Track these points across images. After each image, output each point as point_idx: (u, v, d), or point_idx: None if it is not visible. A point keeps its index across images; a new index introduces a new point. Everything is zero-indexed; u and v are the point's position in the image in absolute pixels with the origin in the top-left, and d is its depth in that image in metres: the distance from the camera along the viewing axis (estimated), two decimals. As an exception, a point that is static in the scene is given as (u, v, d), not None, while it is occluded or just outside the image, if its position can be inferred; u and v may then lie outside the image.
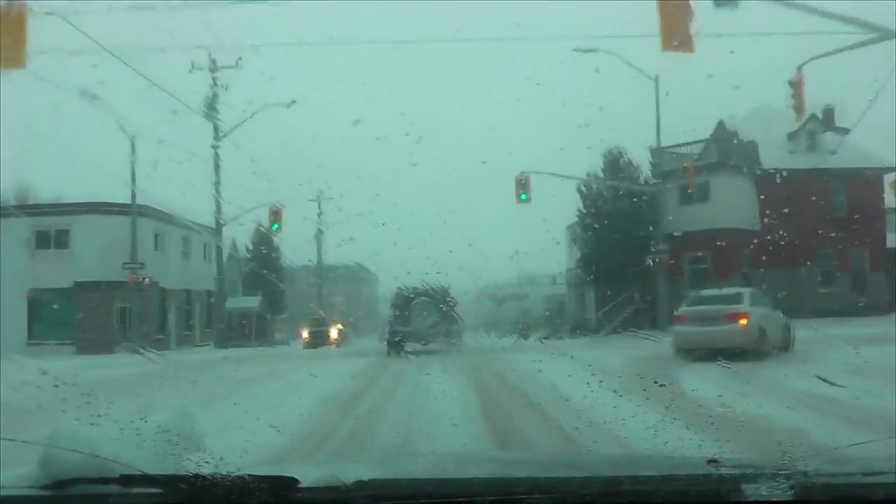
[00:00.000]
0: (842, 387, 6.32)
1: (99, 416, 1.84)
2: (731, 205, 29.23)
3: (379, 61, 67.70)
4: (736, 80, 23.39)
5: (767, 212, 27.07)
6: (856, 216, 28.26)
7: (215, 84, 29.46)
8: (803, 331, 14.18)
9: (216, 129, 29.76)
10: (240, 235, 52.41)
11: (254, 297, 46.31)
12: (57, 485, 1.56)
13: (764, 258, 24.78)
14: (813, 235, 27.58)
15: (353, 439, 5.32)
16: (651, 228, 28.10)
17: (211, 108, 28.93)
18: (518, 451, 4.78)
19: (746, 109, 30.36)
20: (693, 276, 29.96)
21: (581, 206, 32.05)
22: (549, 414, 5.65)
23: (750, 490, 1.52)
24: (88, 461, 1.60)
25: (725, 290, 15.43)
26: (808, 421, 4.53)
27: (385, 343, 17.56)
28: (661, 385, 6.40)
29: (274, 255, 53.49)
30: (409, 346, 15.88)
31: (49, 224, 29.79)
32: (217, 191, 29.27)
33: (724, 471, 1.64)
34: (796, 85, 14.12)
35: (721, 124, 30.67)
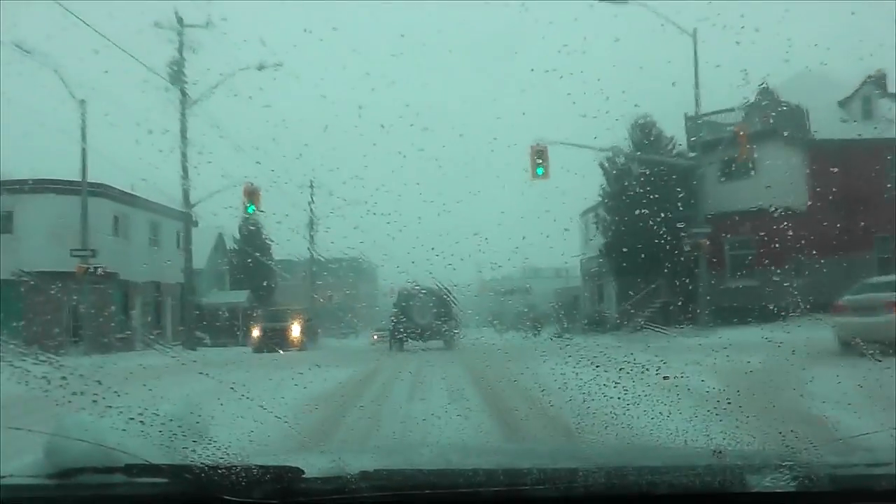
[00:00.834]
0: None
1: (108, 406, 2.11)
2: (779, 181, 28.55)
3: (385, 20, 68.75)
4: (778, 44, 23.61)
5: (818, 189, 26.57)
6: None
7: (184, 47, 29.82)
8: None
9: (184, 95, 29.81)
10: (227, 225, 53.50)
11: (241, 292, 47.03)
12: (63, 474, 1.80)
13: (815, 243, 24.36)
14: (871, 216, 27.02)
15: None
16: (687, 209, 27.47)
17: (178, 72, 28.97)
18: (523, 442, 5.28)
19: (789, 75, 29.74)
20: (734, 264, 29.59)
21: (605, 184, 31.67)
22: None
23: (754, 481, 1.77)
24: (94, 451, 1.86)
25: (893, 278, 15.93)
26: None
27: (388, 339, 21.65)
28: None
29: (265, 246, 54.66)
30: (409, 345, 19.41)
31: (-13, 205, 30.71)
32: (184, 168, 29.09)
33: (728, 461, 1.94)
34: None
35: (765, 88, 29.69)
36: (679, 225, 27.66)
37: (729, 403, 2.97)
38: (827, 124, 29.44)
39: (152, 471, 1.80)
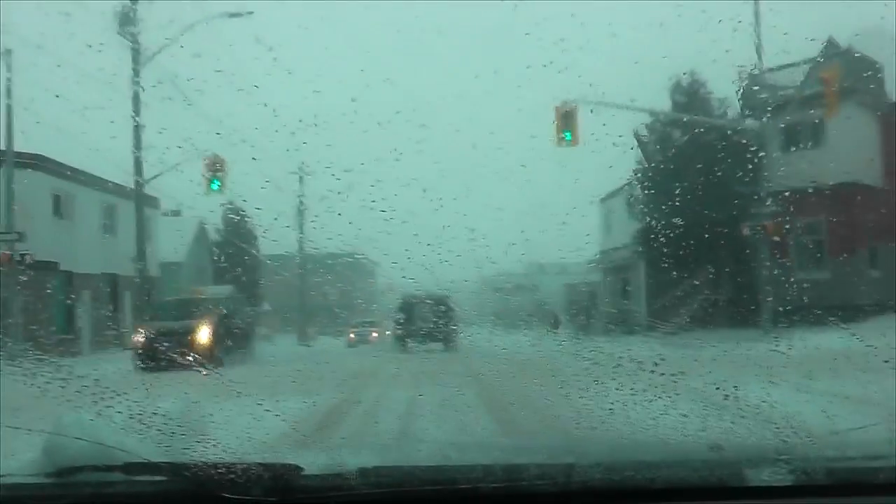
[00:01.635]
0: None
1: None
2: (853, 151, 27.21)
3: None
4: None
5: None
6: None
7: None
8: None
9: (135, 53, 29.52)
10: (209, 215, 54.50)
11: (223, 287, 47.41)
12: (61, 472, 2.08)
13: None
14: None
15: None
16: (743, 185, 25.83)
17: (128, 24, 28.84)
18: (521, 438, 5.81)
19: (854, 30, 28.53)
20: (799, 251, 27.97)
21: (641, 157, 30.36)
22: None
23: (752, 475, 2.06)
24: (93, 449, 2.09)
25: None
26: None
27: (394, 339, 26.08)
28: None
29: (250, 238, 55.75)
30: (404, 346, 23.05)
31: None
32: (138, 142, 28.69)
33: (725, 456, 2.20)
34: None
35: (831, 42, 28.80)
36: (733, 205, 26.37)
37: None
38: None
39: (151, 469, 2.08)
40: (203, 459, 2.14)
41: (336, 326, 67.62)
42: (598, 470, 2.11)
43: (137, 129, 28.06)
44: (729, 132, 28.16)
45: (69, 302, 31.43)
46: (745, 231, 26.25)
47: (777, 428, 2.40)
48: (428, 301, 21.14)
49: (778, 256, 26.19)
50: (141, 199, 31.64)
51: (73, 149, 29.08)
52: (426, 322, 21.50)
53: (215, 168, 25.29)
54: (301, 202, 45.22)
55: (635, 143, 30.54)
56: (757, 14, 24.98)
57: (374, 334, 52.50)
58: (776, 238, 26.20)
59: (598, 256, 46.49)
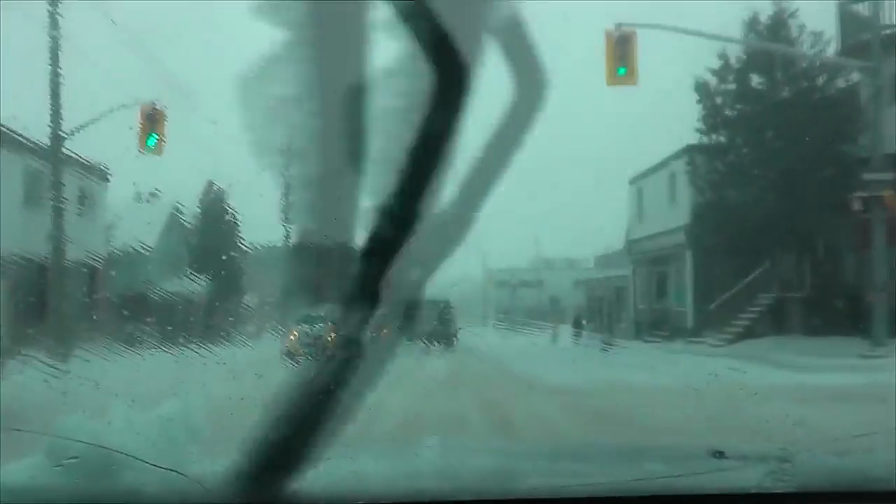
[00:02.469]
0: None
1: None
2: None
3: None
4: None
5: None
6: None
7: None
8: None
9: None
10: (185, 198, 55.67)
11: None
12: (62, 475, 2.44)
13: None
14: None
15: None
16: (848, 144, 23.66)
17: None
18: (522, 444, 6.26)
19: None
20: None
21: (704, 111, 27.94)
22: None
23: (753, 481, 2.37)
24: (93, 451, 2.40)
25: None
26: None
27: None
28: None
29: (230, 225, 56.54)
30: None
31: None
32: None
33: (728, 462, 2.49)
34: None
35: None
36: (830, 172, 23.53)
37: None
38: None
39: (152, 472, 2.41)
40: (203, 463, 2.60)
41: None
42: (601, 475, 2.55)
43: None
44: (826, 77, 25.70)
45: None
46: (848, 207, 22.16)
47: (781, 433, 2.85)
48: (428, 303, 24.27)
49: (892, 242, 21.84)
50: (59, 166, 30.68)
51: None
52: (427, 325, 25.48)
53: (153, 119, 23.19)
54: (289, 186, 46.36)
55: (697, 92, 27.75)
56: None
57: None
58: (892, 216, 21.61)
59: (626, 246, 45.67)
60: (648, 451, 2.95)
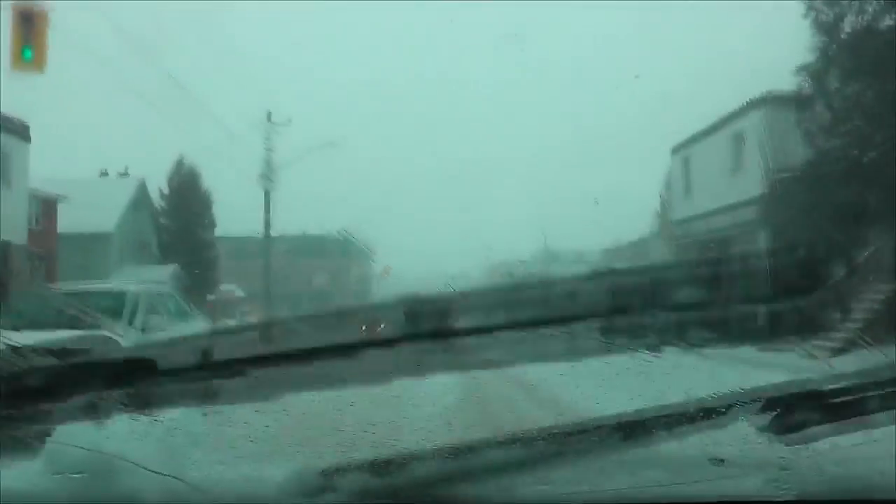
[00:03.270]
0: None
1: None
2: None
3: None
4: None
5: None
6: None
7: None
8: None
9: None
10: (153, 174, 51.04)
11: (163, 267, 46.41)
12: (59, 480, 2.50)
13: None
14: None
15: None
16: None
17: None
18: (520, 451, 6.37)
19: None
20: None
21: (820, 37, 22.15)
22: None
23: (753, 489, 2.45)
24: (92, 457, 2.56)
25: None
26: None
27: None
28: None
29: (203, 205, 51.17)
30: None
31: None
32: None
33: (728, 469, 2.57)
34: None
35: None
36: None
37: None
38: None
39: (151, 478, 2.46)
40: (202, 470, 2.65)
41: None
42: (598, 482, 2.60)
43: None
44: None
45: None
46: None
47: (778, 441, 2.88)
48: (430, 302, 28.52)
49: None
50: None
51: None
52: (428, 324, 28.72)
53: (29, 20, 18.08)
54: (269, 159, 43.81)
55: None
56: None
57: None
58: None
59: (662, 230, 43.95)
60: (647, 459, 2.97)
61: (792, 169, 23.29)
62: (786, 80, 24.46)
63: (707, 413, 2.47)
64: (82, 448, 2.52)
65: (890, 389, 2.45)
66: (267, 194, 44.65)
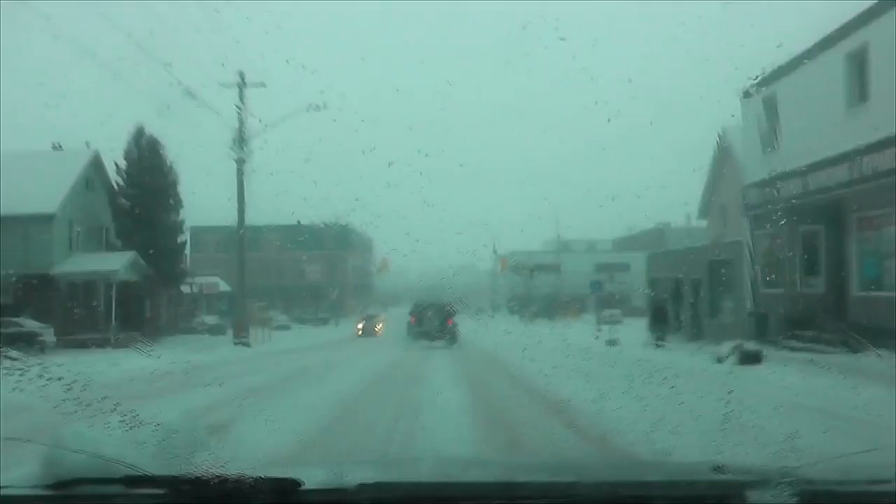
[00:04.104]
0: None
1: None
2: None
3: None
4: None
5: None
6: None
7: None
8: None
9: None
10: (108, 145, 44.00)
11: (117, 256, 40.62)
12: (60, 485, 2.51)
13: None
14: None
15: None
16: None
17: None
18: (522, 456, 6.57)
19: None
20: None
21: None
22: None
23: (754, 497, 2.47)
24: (92, 462, 2.50)
25: None
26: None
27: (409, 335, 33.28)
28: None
29: (168, 183, 44.25)
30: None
31: None
32: None
33: (728, 477, 2.62)
34: None
35: None
36: None
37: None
38: None
39: (150, 482, 2.51)
40: (202, 473, 2.65)
41: (334, 312, 65.93)
42: (600, 489, 2.61)
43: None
44: None
45: None
46: None
47: (782, 449, 2.91)
48: (433, 306, 30.38)
49: None
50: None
51: None
52: (433, 323, 30.33)
53: None
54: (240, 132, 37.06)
55: None
56: None
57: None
58: None
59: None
60: (648, 466, 3.00)
61: None
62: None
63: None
64: (82, 452, 2.53)
65: None
66: (240, 165, 37.77)
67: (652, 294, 38.46)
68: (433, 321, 30.91)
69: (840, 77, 22.93)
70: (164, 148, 42.46)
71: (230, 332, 41.51)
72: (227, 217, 40.83)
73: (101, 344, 29.93)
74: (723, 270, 32.28)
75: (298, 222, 42.42)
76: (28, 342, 27.22)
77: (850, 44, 22.30)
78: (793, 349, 23.20)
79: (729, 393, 8.11)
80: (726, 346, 22.68)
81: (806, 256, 25.65)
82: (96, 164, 44.40)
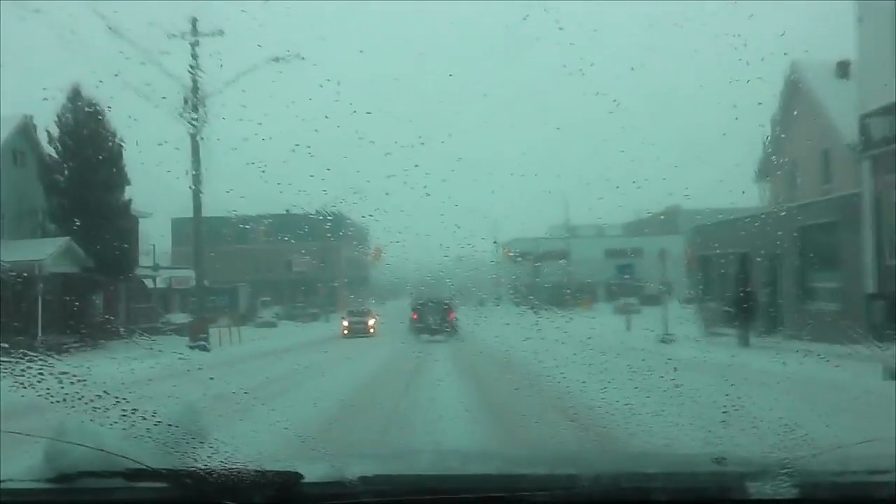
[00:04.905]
0: None
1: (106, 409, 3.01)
2: None
3: None
4: None
5: None
6: None
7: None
8: None
9: None
10: (39, 105, 36.67)
11: (47, 243, 34.37)
12: (62, 478, 2.58)
13: None
14: None
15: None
16: None
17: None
18: (522, 449, 6.66)
19: None
20: None
21: None
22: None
23: (755, 488, 2.55)
24: (94, 455, 2.56)
25: None
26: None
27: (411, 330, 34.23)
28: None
29: (112, 156, 36.13)
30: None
31: None
32: None
33: (729, 468, 2.70)
34: None
35: None
36: None
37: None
38: None
39: (152, 475, 2.57)
40: (204, 466, 2.67)
41: (323, 306, 63.57)
42: (600, 481, 2.64)
43: None
44: None
45: None
46: None
47: (780, 440, 2.94)
48: (432, 303, 32.24)
49: None
50: None
51: None
52: (433, 320, 31.74)
53: None
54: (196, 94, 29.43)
55: None
56: None
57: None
58: None
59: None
60: (649, 458, 3.03)
61: None
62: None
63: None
64: (83, 445, 2.54)
65: None
66: (195, 133, 30.75)
67: (700, 276, 32.75)
68: (434, 317, 32.00)
69: None
70: (106, 113, 34.35)
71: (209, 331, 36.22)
72: (209, 206, 36.60)
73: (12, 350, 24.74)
74: (823, 238, 25.61)
75: (287, 211, 36.70)
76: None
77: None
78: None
79: None
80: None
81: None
82: (27, 134, 37.60)
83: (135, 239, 40.26)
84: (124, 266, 37.82)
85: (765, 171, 35.24)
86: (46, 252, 32.36)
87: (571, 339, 15.69)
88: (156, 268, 47.90)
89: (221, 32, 32.49)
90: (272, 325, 56.06)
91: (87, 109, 34.60)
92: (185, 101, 29.19)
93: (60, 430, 2.70)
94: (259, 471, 2.64)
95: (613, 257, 45.61)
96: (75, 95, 35.48)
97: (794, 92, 32.00)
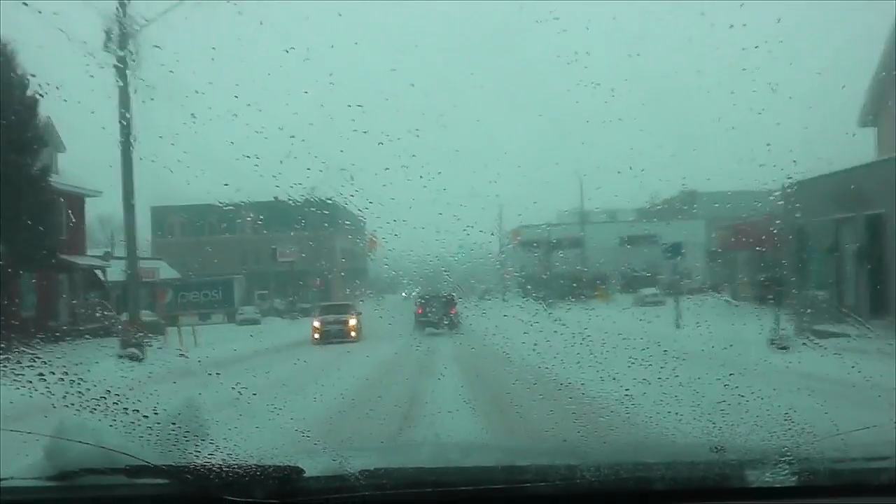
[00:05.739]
0: None
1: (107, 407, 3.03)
2: None
3: None
4: None
5: None
6: None
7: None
8: None
9: None
10: None
11: None
12: (63, 476, 2.66)
13: None
14: None
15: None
16: None
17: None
18: (522, 440, 6.76)
19: None
20: None
21: None
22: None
23: (754, 476, 2.63)
24: (95, 452, 2.67)
25: None
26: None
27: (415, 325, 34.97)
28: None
29: (34, 120, 29.70)
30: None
31: None
32: None
33: (728, 457, 2.77)
34: None
35: None
36: None
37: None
38: None
39: (153, 472, 2.64)
40: (205, 462, 2.69)
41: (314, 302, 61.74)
42: (600, 471, 2.68)
43: None
44: None
45: None
46: None
47: (779, 428, 2.97)
48: (437, 297, 33.17)
49: None
50: None
51: None
52: (437, 313, 33.00)
53: None
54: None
55: None
56: None
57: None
58: None
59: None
60: (649, 447, 3.05)
61: None
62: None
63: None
64: (83, 442, 2.56)
65: None
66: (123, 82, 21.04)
67: (810, 245, 24.92)
68: (437, 312, 33.54)
69: None
70: (21, 65, 27.65)
71: (169, 332, 31.88)
72: (194, 192, 31.55)
73: None
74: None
75: (275, 198, 32.18)
76: None
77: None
78: None
79: None
80: None
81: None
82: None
83: (62, 220, 33.84)
84: (44, 254, 30.57)
85: (870, 117, 28.26)
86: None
87: (626, 343, 12.26)
88: (106, 256, 42.13)
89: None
90: (255, 322, 51.46)
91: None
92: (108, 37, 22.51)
93: (60, 428, 2.73)
94: (259, 465, 2.70)
95: (633, 244, 43.48)
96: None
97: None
